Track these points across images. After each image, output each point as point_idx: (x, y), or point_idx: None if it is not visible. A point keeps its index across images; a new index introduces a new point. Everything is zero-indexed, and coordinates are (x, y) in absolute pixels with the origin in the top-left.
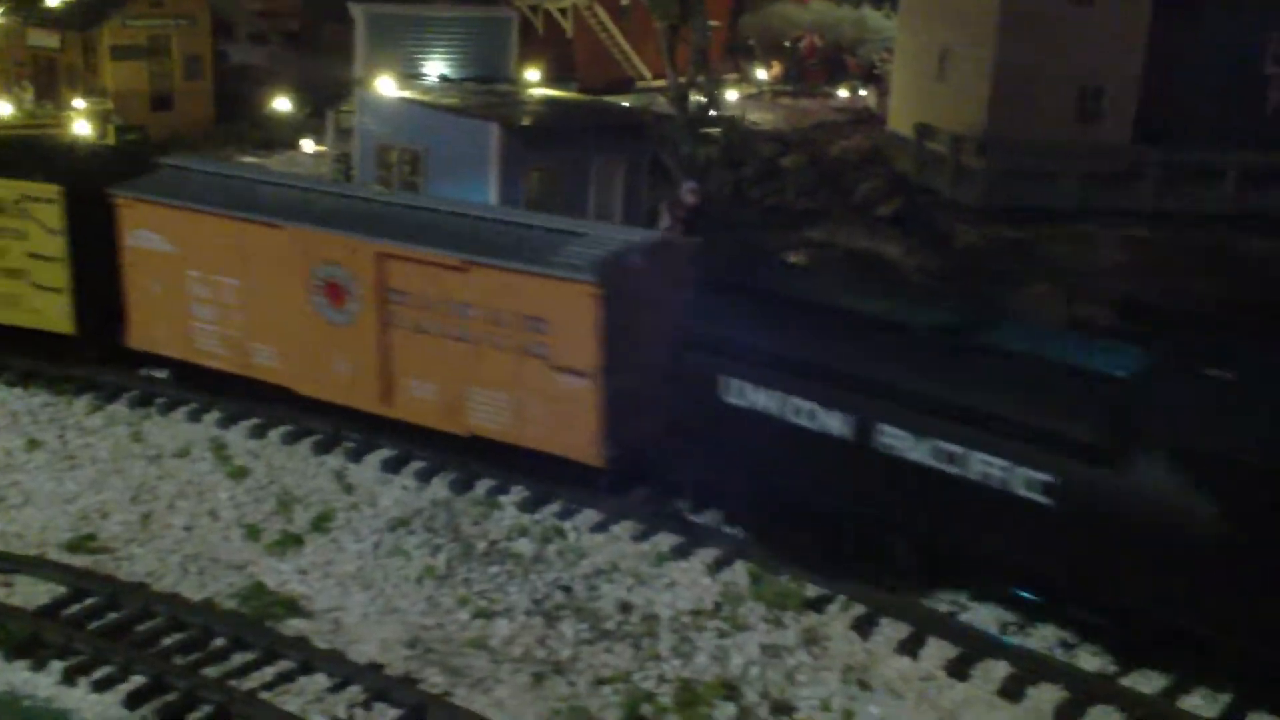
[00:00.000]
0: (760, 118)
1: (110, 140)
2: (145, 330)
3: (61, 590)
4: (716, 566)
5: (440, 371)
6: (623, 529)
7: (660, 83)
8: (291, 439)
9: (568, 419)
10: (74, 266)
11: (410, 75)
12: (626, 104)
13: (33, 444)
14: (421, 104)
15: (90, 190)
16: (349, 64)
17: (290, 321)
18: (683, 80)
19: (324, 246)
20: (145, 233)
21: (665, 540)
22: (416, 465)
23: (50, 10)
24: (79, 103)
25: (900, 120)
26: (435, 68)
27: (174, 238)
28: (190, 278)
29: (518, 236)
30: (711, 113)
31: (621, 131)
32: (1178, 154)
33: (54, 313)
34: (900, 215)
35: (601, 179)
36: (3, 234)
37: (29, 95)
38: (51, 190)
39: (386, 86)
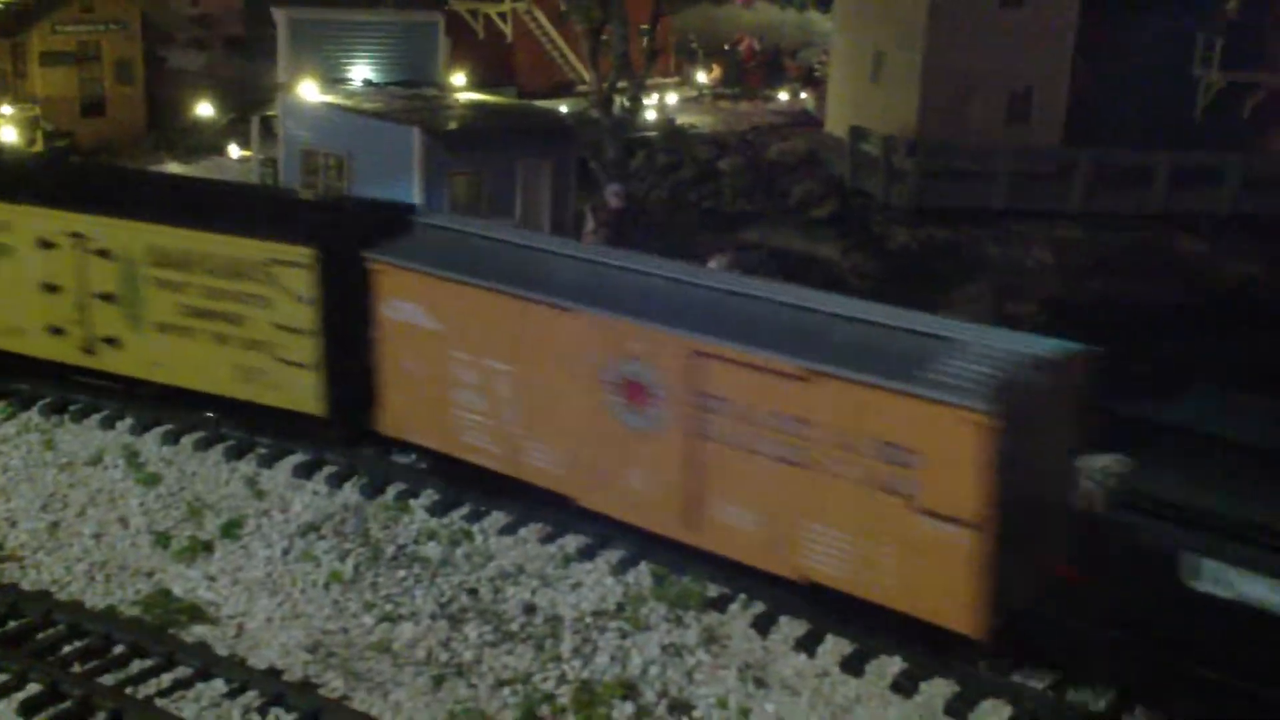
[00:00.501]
0: (699, 120)
1: (40, 147)
2: (401, 416)
3: None
4: (621, 568)
5: (764, 499)
6: (531, 531)
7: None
8: (204, 445)
9: (937, 575)
10: (326, 340)
11: (334, 80)
12: (564, 107)
13: None
14: (344, 109)
15: (345, 253)
16: None
17: (576, 421)
18: (605, 84)
19: (624, 338)
20: (404, 304)
21: (572, 542)
22: (329, 470)
23: None
24: (6, 109)
25: (837, 123)
26: (360, 72)
27: (437, 312)
28: (455, 359)
29: (876, 339)
30: (648, 116)
31: (546, 135)
32: (1107, 155)
33: (301, 391)
34: (835, 217)
35: (528, 183)
36: (245, 301)
37: None
38: (303, 253)
39: (310, 91)
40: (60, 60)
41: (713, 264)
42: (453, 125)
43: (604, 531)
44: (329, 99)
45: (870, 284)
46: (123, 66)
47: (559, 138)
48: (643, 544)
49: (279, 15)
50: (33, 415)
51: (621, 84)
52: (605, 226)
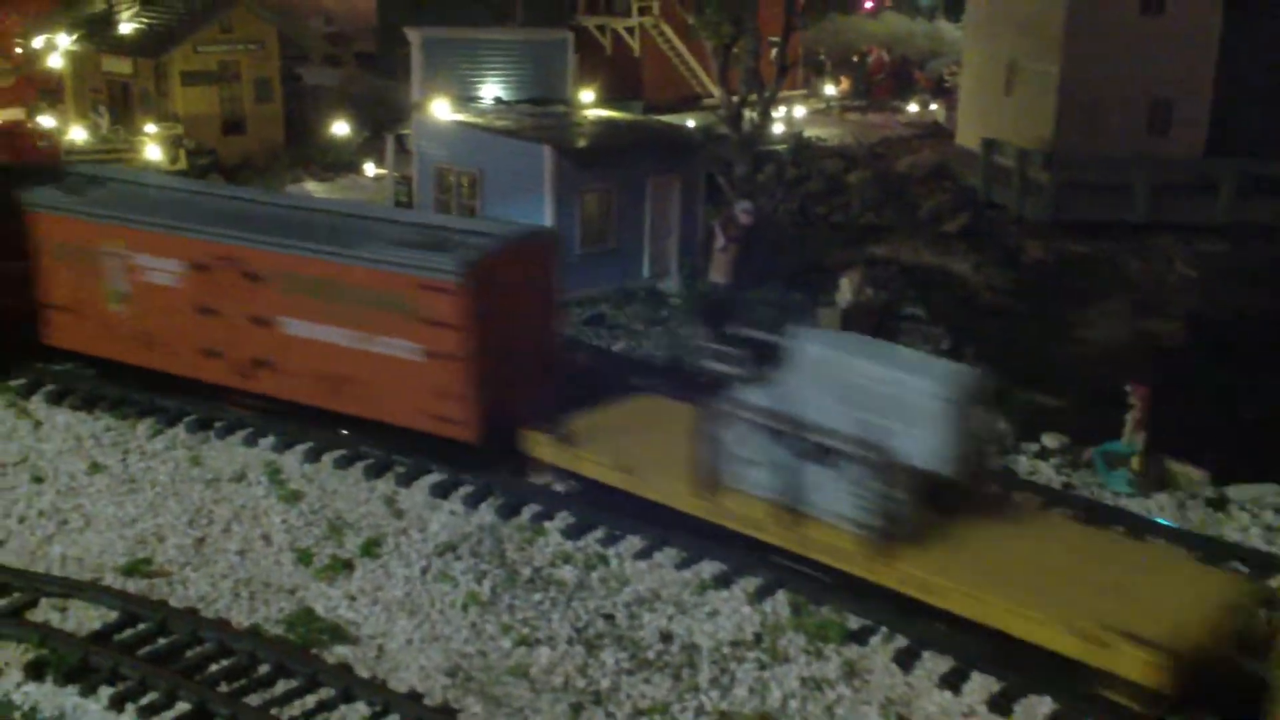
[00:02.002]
0: (827, 133)
1: (183, 165)
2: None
3: (113, 615)
4: (758, 596)
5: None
6: (665, 556)
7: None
8: (344, 463)
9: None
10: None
11: (466, 98)
12: (691, 121)
13: (95, 467)
14: (476, 127)
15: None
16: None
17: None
18: (736, 98)
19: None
20: None
21: (708, 568)
22: (465, 490)
23: (123, 38)
24: (150, 128)
25: (968, 135)
26: (491, 90)
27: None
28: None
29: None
30: (775, 130)
31: (676, 150)
32: (1252, 166)
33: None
34: (968, 230)
35: (657, 199)
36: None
37: (105, 120)
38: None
39: (442, 110)
40: (201, 80)
41: (843, 281)
42: (583, 143)
43: (742, 559)
44: (461, 117)
45: (1005, 299)
46: (261, 85)
47: (688, 153)
48: (780, 572)
49: (412, 35)
50: (179, 432)
51: (751, 99)
52: (735, 243)
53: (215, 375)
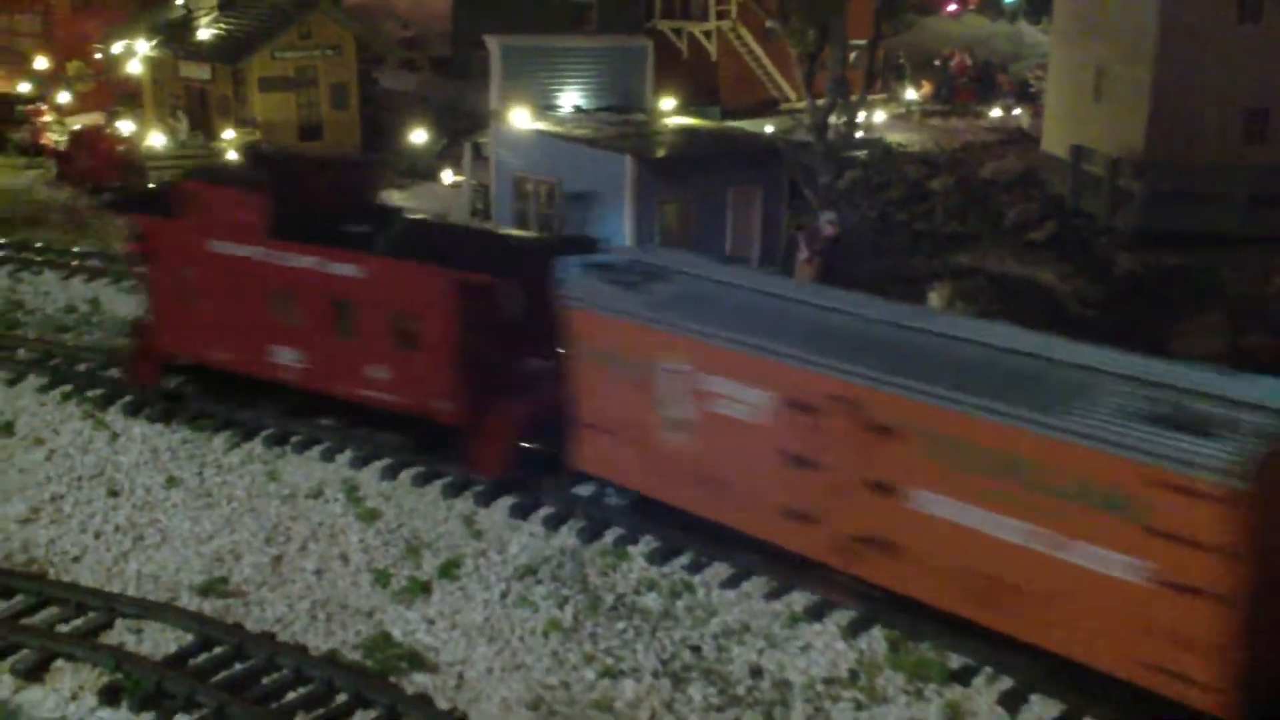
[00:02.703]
0: (907, 139)
1: None
2: None
3: (189, 639)
4: (852, 631)
5: None
6: (754, 586)
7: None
8: (422, 481)
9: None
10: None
11: (545, 106)
12: (769, 127)
13: (172, 481)
14: (555, 136)
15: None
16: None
17: None
18: (820, 103)
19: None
20: None
21: (798, 599)
22: (545, 511)
23: (201, 43)
24: (229, 134)
25: (1055, 141)
26: (570, 98)
27: None
28: None
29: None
30: (857, 135)
31: (757, 159)
32: None
33: None
34: (1055, 240)
35: (738, 209)
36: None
37: (184, 126)
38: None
39: (521, 118)
40: (279, 85)
41: (932, 295)
42: (664, 152)
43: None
44: (540, 126)
45: (1094, 311)
46: (338, 91)
47: (770, 162)
48: (875, 606)
49: (492, 43)
50: (256, 446)
51: (836, 108)
52: (819, 255)
53: (803, 545)
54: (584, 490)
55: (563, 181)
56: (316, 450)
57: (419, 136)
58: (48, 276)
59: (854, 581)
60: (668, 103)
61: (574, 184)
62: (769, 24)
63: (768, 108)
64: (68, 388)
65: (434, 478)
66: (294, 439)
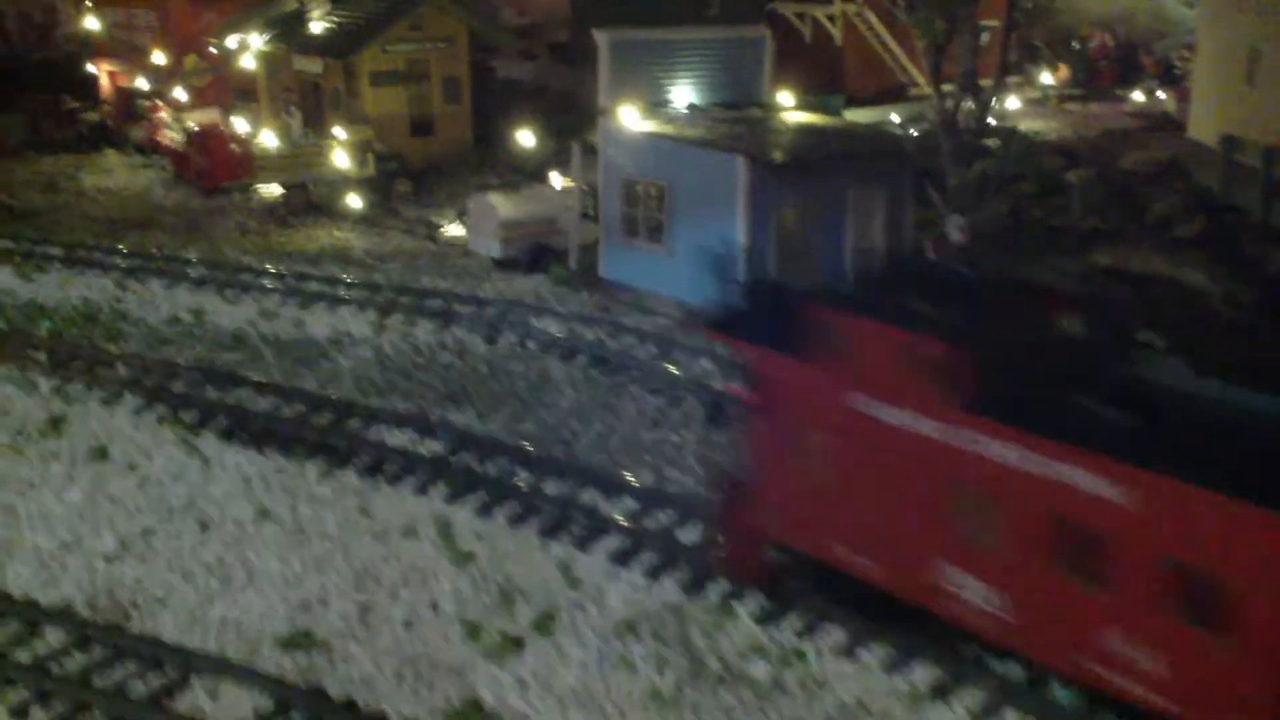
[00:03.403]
0: (1043, 126)
1: (371, 171)
2: None
3: (267, 703)
4: (983, 714)
5: None
6: (873, 655)
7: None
8: (518, 521)
9: None
10: None
11: (656, 103)
12: (895, 116)
13: (263, 514)
14: (665, 136)
15: None
16: None
17: None
18: (949, 103)
19: None
20: None
21: (922, 673)
22: (647, 558)
23: (314, 37)
24: (340, 132)
25: (1202, 128)
26: (683, 94)
27: None
28: None
29: None
30: (989, 123)
31: (880, 159)
32: None
33: None
34: (1204, 237)
35: (859, 213)
36: None
37: (297, 122)
38: None
39: (630, 117)
40: (390, 80)
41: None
42: (780, 153)
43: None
44: (649, 126)
45: (1249, 315)
46: (451, 84)
47: (894, 162)
48: (1004, 684)
49: (600, 37)
50: (349, 476)
51: (966, 103)
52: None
53: None
54: (691, 534)
55: (674, 185)
56: (410, 483)
57: (527, 139)
58: (153, 284)
59: None
60: (786, 97)
61: (685, 187)
62: (901, 16)
63: (895, 94)
64: (163, 409)
65: (530, 515)
66: (387, 469)
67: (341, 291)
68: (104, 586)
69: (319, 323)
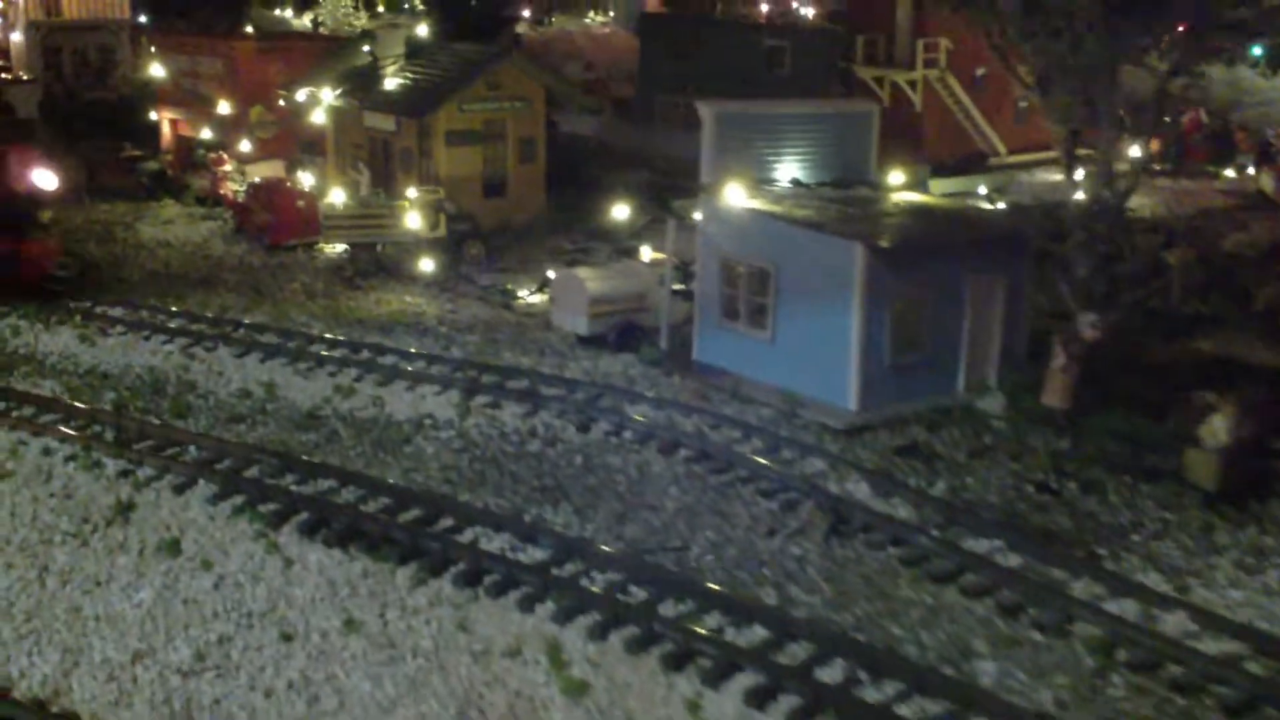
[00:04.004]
0: (1135, 202)
1: (442, 232)
2: None
3: None
4: None
5: None
6: None
7: (1018, 158)
8: (638, 646)
9: None
10: None
11: (761, 180)
12: (982, 187)
13: (351, 625)
14: (774, 216)
15: None
16: (682, 138)
17: None
18: (1082, 189)
19: None
20: None
21: None
22: (790, 701)
23: (387, 93)
24: (412, 192)
25: None
26: (787, 170)
27: None
28: None
29: None
30: (1076, 196)
31: (1001, 245)
32: None
33: None
34: None
35: (977, 304)
36: None
37: (365, 179)
38: None
39: (735, 195)
40: (466, 140)
41: (1216, 419)
42: (898, 238)
43: None
44: (756, 204)
45: None
46: (526, 145)
47: (1016, 249)
48: None
49: (705, 110)
50: (445, 585)
51: (1103, 194)
52: (1076, 362)
53: None
54: (834, 672)
55: (780, 268)
56: (514, 596)
57: (621, 213)
58: (222, 353)
59: None
60: (896, 175)
61: (793, 271)
62: (979, 72)
63: (975, 162)
64: (239, 499)
65: (652, 642)
66: (487, 579)
67: (420, 366)
68: (180, 708)
69: (399, 401)
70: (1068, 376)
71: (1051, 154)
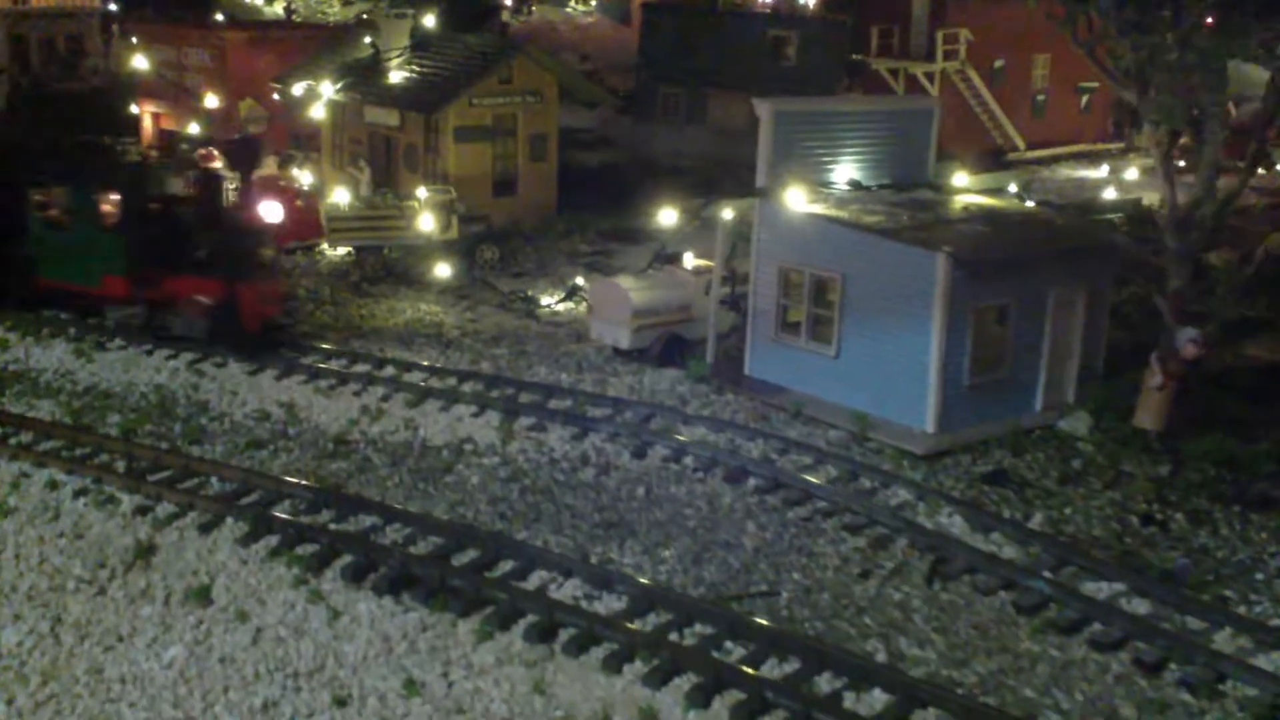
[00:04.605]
0: (1154, 199)
1: (454, 234)
2: None
3: None
4: None
5: None
6: None
7: (1037, 153)
8: (746, 714)
9: None
10: None
11: (819, 182)
12: (1012, 186)
13: (411, 686)
14: (838, 221)
15: None
16: (684, 132)
17: None
18: (1185, 199)
19: None
20: None
21: None
22: None
23: (392, 87)
24: (422, 191)
25: None
26: (844, 172)
27: None
28: None
29: None
30: (1107, 194)
31: (1084, 253)
32: None
33: None
34: None
35: (1059, 314)
36: None
37: (365, 176)
38: None
39: (796, 199)
40: (476, 136)
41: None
42: (984, 249)
43: None
44: (818, 208)
45: None
46: (537, 141)
47: (1099, 258)
48: None
49: (762, 108)
50: (514, 639)
51: (1205, 200)
52: (1175, 380)
53: None
54: None
55: (848, 279)
56: (596, 654)
57: (668, 218)
58: (233, 370)
59: None
60: (960, 177)
61: (860, 281)
62: (998, 64)
63: (994, 159)
64: (273, 539)
65: (760, 710)
66: (564, 633)
67: (451, 383)
68: None
69: (434, 425)
70: (1164, 397)
71: (1070, 149)
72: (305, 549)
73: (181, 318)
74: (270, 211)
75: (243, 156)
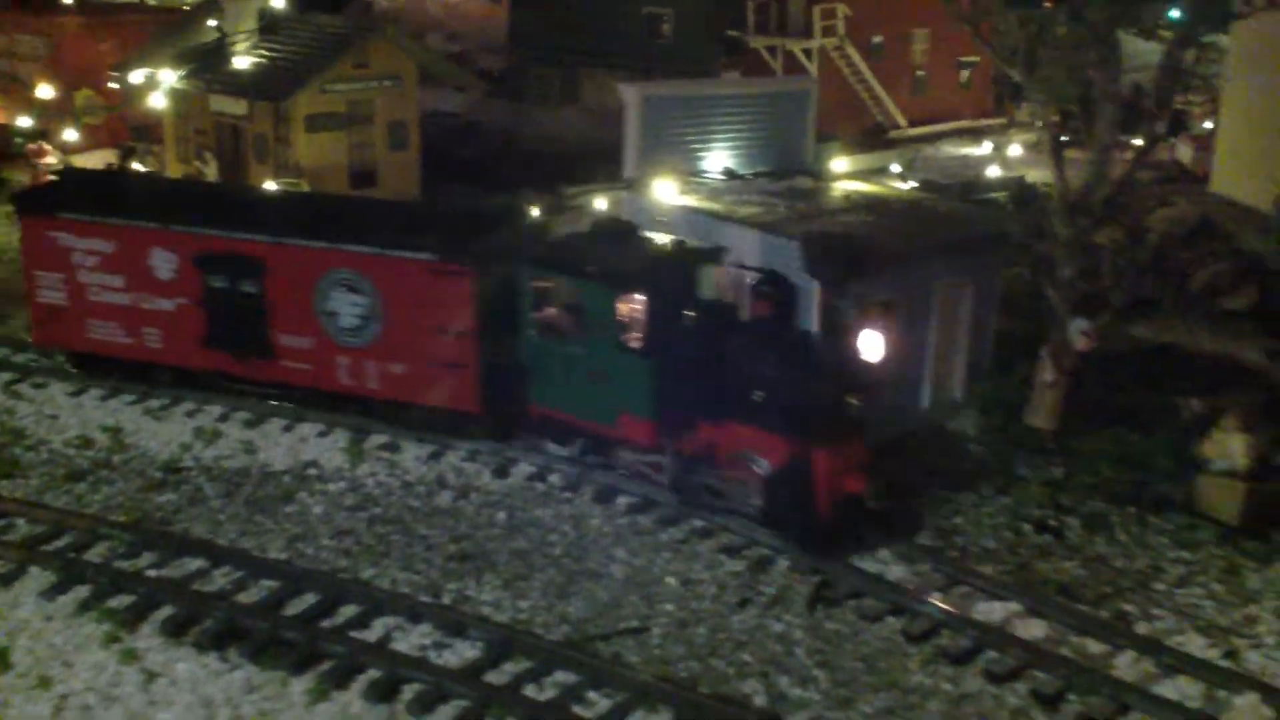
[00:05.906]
0: (1048, 175)
1: None
2: None
3: None
4: None
5: None
6: None
7: (918, 130)
8: None
9: None
10: None
11: (690, 170)
12: (895, 165)
13: None
14: (711, 215)
15: None
16: (558, 114)
17: None
18: (1075, 191)
19: None
20: None
21: None
22: None
23: (237, 74)
24: (270, 184)
25: (1231, 183)
26: (718, 159)
27: None
28: None
29: None
30: (990, 172)
31: (971, 245)
32: None
33: None
34: (1259, 309)
35: (945, 312)
36: None
37: (211, 169)
38: None
39: (666, 190)
40: (329, 124)
41: (1235, 441)
42: (862, 242)
43: None
44: (691, 200)
45: None
46: (397, 129)
47: (987, 249)
48: None
49: (629, 92)
50: (353, 698)
51: (1096, 184)
52: (1068, 376)
53: None
54: None
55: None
56: (444, 713)
57: (533, 209)
58: (54, 391)
59: None
60: (839, 162)
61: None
62: (876, 39)
63: (873, 137)
64: (83, 590)
65: None
66: (409, 689)
67: (298, 398)
68: None
69: (274, 447)
70: (1057, 393)
71: (952, 125)
72: (120, 600)
73: (729, 485)
74: (870, 345)
75: (836, 262)
